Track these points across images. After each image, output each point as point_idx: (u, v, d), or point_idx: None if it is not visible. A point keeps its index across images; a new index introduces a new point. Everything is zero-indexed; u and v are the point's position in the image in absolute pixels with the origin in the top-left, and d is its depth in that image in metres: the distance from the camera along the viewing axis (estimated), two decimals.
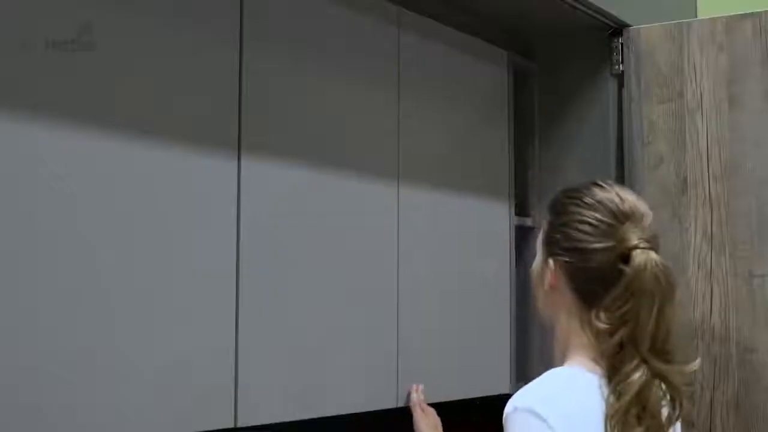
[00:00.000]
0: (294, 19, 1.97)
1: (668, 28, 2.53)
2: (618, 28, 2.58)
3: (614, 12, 2.53)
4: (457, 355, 2.36)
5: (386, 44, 2.19)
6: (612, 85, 2.61)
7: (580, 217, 1.46)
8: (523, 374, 2.55)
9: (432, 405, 2.20)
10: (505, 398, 1.43)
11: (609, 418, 1.37)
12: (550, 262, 1.50)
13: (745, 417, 2.35)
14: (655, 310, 1.39)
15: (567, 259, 1.47)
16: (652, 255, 1.41)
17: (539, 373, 1.45)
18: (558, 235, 1.50)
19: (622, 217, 1.44)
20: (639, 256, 1.40)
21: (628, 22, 2.58)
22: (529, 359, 2.66)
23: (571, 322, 1.48)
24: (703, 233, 2.43)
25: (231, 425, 1.79)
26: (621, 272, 1.41)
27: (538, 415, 1.35)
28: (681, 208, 2.45)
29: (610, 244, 1.43)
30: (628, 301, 1.39)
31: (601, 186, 1.50)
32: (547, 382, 1.43)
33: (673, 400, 1.42)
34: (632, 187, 2.45)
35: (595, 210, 1.46)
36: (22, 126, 1.48)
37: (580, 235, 1.46)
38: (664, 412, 1.41)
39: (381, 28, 2.18)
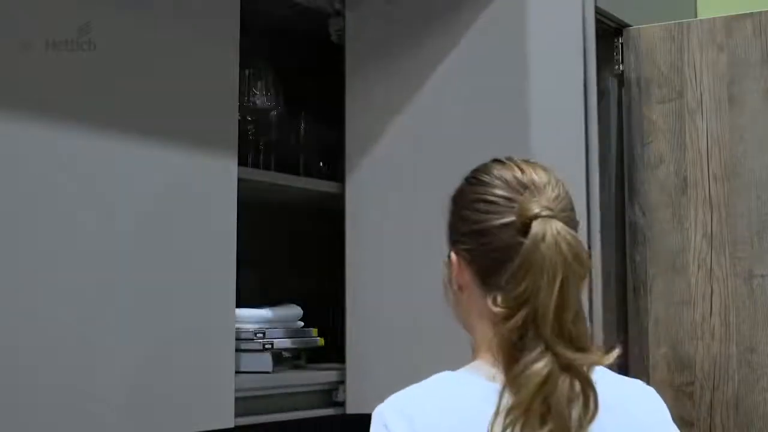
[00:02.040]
0: None
1: (668, 28, 2.52)
2: (618, 28, 2.58)
3: (614, 12, 2.53)
4: None
5: None
6: (612, 85, 2.61)
7: (477, 196, 1.27)
8: None
9: None
10: None
11: (500, 415, 1.15)
12: (452, 255, 1.30)
13: (745, 417, 2.34)
14: (557, 286, 1.16)
15: (467, 246, 1.27)
16: (555, 224, 1.19)
17: None
18: (457, 222, 1.30)
19: (521, 188, 1.24)
20: (537, 225, 1.19)
21: (628, 22, 2.58)
22: None
23: (483, 323, 1.27)
24: (703, 233, 2.42)
25: (231, 425, 1.79)
26: (521, 246, 1.19)
27: (385, 424, 1.22)
28: (681, 208, 2.45)
29: (510, 219, 1.22)
30: (525, 277, 1.17)
31: (501, 162, 1.31)
32: (420, 391, 1.25)
33: (585, 397, 1.18)
34: (632, 188, 2.46)
35: (494, 186, 1.26)
36: (23, 126, 1.48)
37: (479, 215, 1.26)
38: (574, 412, 1.17)
39: None
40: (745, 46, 2.42)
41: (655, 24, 2.56)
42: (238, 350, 1.87)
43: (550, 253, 1.18)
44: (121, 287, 1.61)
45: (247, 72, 2.03)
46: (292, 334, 2.12)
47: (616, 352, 1.23)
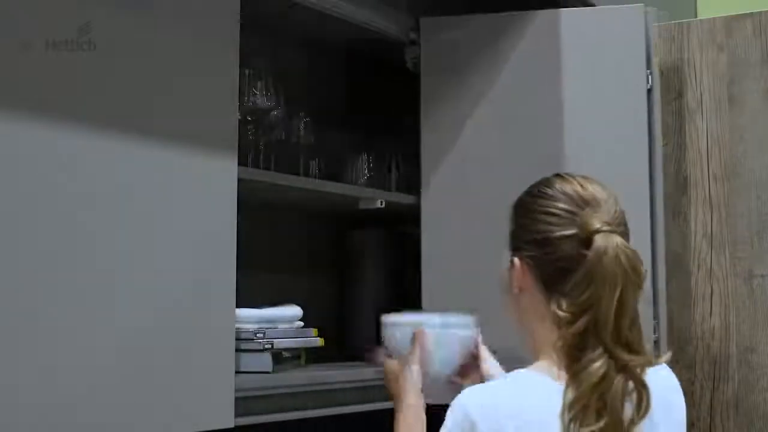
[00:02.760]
0: None
1: (668, 28, 2.53)
2: None
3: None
4: None
5: None
6: None
7: (541, 208, 1.41)
8: None
9: None
10: None
11: (565, 410, 1.29)
12: (515, 260, 1.44)
13: (745, 417, 2.35)
14: (617, 295, 1.31)
15: (531, 253, 1.41)
16: (615, 238, 1.34)
17: None
18: (520, 231, 1.44)
19: (582, 203, 1.38)
20: (599, 240, 1.33)
21: None
22: None
23: (543, 326, 1.40)
24: (703, 233, 2.43)
25: (231, 425, 1.79)
26: (583, 258, 1.34)
27: (471, 420, 1.31)
28: (681, 208, 2.45)
29: (572, 231, 1.36)
30: (589, 287, 1.32)
31: (562, 177, 1.44)
32: (499, 386, 1.38)
33: (639, 396, 1.32)
34: None
35: (556, 200, 1.40)
36: (23, 126, 1.48)
37: (542, 226, 1.39)
38: (628, 409, 1.31)
39: None
40: (745, 46, 2.42)
41: (655, 24, 2.56)
42: (238, 350, 1.87)
43: (612, 265, 1.32)
44: (121, 287, 1.61)
45: (247, 72, 2.03)
46: (292, 334, 2.12)
47: (668, 355, 1.40)
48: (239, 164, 1.86)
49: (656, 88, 2.30)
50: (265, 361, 1.99)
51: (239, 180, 1.84)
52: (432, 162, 2.38)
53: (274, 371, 1.99)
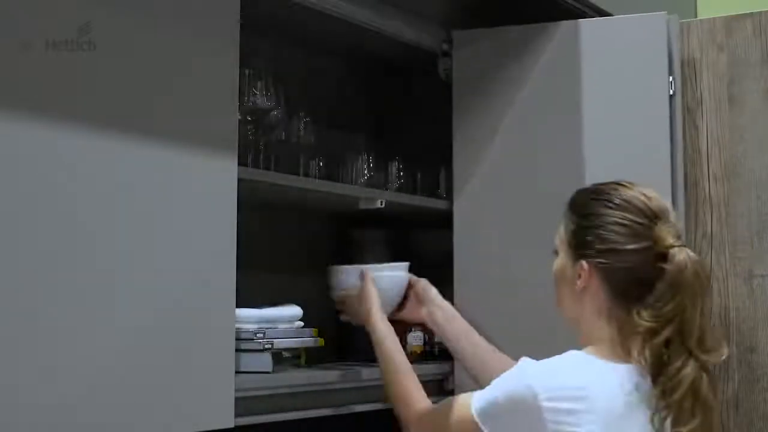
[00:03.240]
0: None
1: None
2: None
3: (614, 12, 2.53)
4: None
5: None
6: None
7: (611, 219, 1.51)
8: None
9: None
10: None
11: (657, 412, 1.44)
12: (583, 264, 1.54)
13: (745, 417, 2.35)
14: (699, 305, 1.45)
15: (601, 260, 1.52)
16: (690, 252, 1.47)
17: None
18: (589, 237, 1.53)
19: (653, 216, 1.50)
20: (679, 255, 1.46)
21: None
22: None
23: (597, 319, 1.54)
24: (703, 233, 2.43)
25: (231, 425, 1.79)
26: (661, 271, 1.46)
27: (527, 385, 1.46)
28: (681, 208, 2.45)
29: (646, 244, 1.48)
30: (673, 298, 1.44)
31: (624, 186, 1.55)
32: (558, 360, 1.50)
33: (714, 390, 1.48)
34: None
35: (626, 210, 1.51)
36: (23, 126, 1.48)
37: (614, 237, 1.50)
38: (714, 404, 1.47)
39: None
40: (745, 46, 2.42)
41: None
42: (238, 350, 1.87)
43: (692, 278, 1.45)
44: (121, 287, 1.61)
45: (247, 72, 2.03)
46: (292, 334, 2.12)
47: (727, 350, 1.51)
48: (239, 164, 1.86)
49: (679, 94, 2.35)
50: (265, 361, 1.99)
51: (239, 180, 1.84)
52: (463, 168, 2.48)
53: (274, 371, 1.99)
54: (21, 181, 1.48)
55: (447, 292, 2.63)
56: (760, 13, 2.41)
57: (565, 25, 2.42)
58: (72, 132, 1.55)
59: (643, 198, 1.52)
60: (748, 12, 2.43)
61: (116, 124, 1.62)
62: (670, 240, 1.47)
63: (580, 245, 1.55)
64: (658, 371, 1.46)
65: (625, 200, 1.52)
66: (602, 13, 2.49)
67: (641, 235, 1.49)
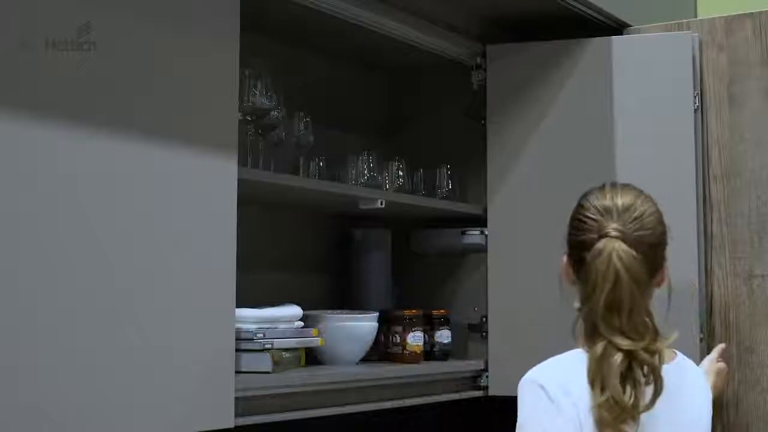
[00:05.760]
0: None
1: (668, 28, 2.53)
2: (618, 28, 2.58)
3: (614, 12, 2.53)
4: None
5: None
6: None
7: (576, 215, 1.62)
8: None
9: None
10: None
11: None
12: (563, 257, 1.65)
13: (745, 417, 2.35)
14: (606, 291, 1.51)
15: (568, 252, 1.63)
16: (615, 242, 1.53)
17: None
18: (567, 233, 1.65)
19: (604, 211, 1.58)
20: (600, 243, 1.54)
21: (628, 22, 2.58)
22: None
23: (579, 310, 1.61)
24: (704, 233, 2.43)
25: (231, 425, 1.79)
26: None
27: (540, 385, 1.52)
28: None
29: (592, 236, 1.57)
30: (586, 284, 1.54)
31: (600, 189, 1.64)
32: (555, 360, 1.58)
33: (654, 386, 1.50)
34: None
35: (586, 209, 1.61)
36: (22, 126, 1.48)
37: (574, 231, 1.61)
38: (647, 392, 1.50)
39: None
40: (745, 46, 2.42)
41: (655, 24, 2.56)
42: (238, 350, 1.87)
43: (603, 265, 1.52)
44: (121, 287, 1.61)
45: (246, 72, 2.03)
46: (292, 334, 2.12)
47: (674, 336, 1.56)
48: (239, 164, 1.86)
49: (706, 109, 2.45)
50: (265, 361, 1.99)
51: (239, 180, 1.84)
52: (496, 176, 2.62)
53: (274, 371, 1.99)
54: (21, 181, 1.48)
55: (448, 288, 2.67)
56: (760, 13, 2.41)
57: (596, 41, 2.53)
58: (72, 132, 1.55)
59: (605, 197, 1.61)
60: (748, 12, 2.43)
61: (116, 124, 1.62)
62: (605, 230, 1.55)
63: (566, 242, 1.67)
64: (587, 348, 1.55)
65: (590, 200, 1.62)
66: (619, 23, 2.58)
67: (591, 228, 1.58)
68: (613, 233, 1.54)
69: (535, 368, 1.58)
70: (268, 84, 2.10)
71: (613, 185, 1.64)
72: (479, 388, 2.56)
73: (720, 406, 2.35)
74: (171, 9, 1.72)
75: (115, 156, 1.61)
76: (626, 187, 1.64)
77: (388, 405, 2.27)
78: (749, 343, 2.35)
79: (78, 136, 1.56)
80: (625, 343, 1.50)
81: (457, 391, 2.52)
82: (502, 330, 2.58)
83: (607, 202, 1.60)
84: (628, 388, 1.49)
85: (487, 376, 2.56)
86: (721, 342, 2.28)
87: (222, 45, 1.82)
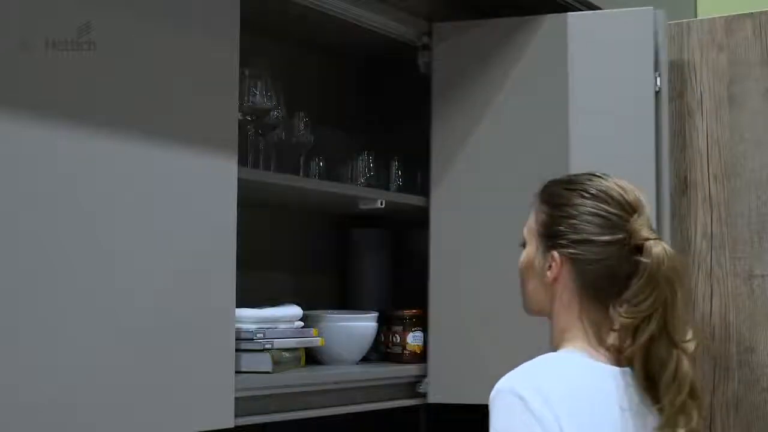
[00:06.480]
0: None
1: (668, 28, 2.53)
2: None
3: (603, 6, 2.52)
4: None
5: None
6: None
7: (585, 209, 1.47)
8: None
9: None
10: None
11: (671, 415, 1.40)
12: (554, 254, 1.48)
13: (745, 417, 2.34)
14: (679, 297, 1.41)
15: (573, 251, 1.46)
16: (666, 246, 1.43)
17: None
18: (562, 228, 1.48)
19: (629, 207, 1.45)
20: (655, 247, 1.41)
21: None
22: None
23: (568, 313, 1.48)
24: (703, 233, 2.42)
25: (231, 425, 1.79)
26: (635, 264, 1.42)
27: (519, 396, 1.35)
28: (681, 208, 2.45)
29: (620, 236, 1.44)
30: (652, 293, 1.40)
31: (599, 176, 1.51)
32: (533, 366, 1.42)
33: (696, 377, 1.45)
34: None
35: (601, 201, 1.46)
36: (22, 126, 1.48)
37: (589, 227, 1.45)
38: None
39: None
40: (745, 46, 2.42)
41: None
42: (238, 350, 1.87)
43: (669, 271, 1.41)
44: (121, 286, 1.61)
45: (246, 72, 2.03)
46: (292, 334, 2.12)
47: (696, 342, 1.46)
48: (239, 164, 1.86)
49: (665, 90, 2.32)
50: (265, 361, 1.99)
51: (239, 180, 1.84)
52: (442, 163, 2.41)
53: (274, 371, 1.99)
54: (21, 181, 1.48)
55: None
56: (760, 13, 2.41)
57: (551, 18, 2.37)
58: (72, 132, 1.55)
59: (619, 189, 1.47)
60: (748, 12, 2.43)
61: (116, 124, 1.62)
62: (645, 233, 1.43)
63: (551, 235, 1.50)
64: (646, 371, 1.42)
65: (601, 191, 1.47)
66: (590, 6, 2.44)
67: (617, 226, 1.45)
68: (653, 236, 1.44)
69: (509, 376, 1.40)
70: (268, 84, 2.10)
71: (606, 174, 1.52)
72: (417, 395, 2.35)
73: (720, 406, 2.35)
74: (171, 9, 1.72)
75: (115, 156, 1.61)
76: (618, 178, 1.52)
77: (389, 404, 2.26)
78: (749, 343, 2.35)
79: (78, 136, 1.56)
80: (688, 346, 1.43)
81: (391, 399, 2.28)
82: (444, 332, 2.36)
83: (626, 195, 1.47)
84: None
85: (426, 383, 2.34)
86: (721, 343, 2.28)
87: (222, 45, 1.82)
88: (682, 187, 2.45)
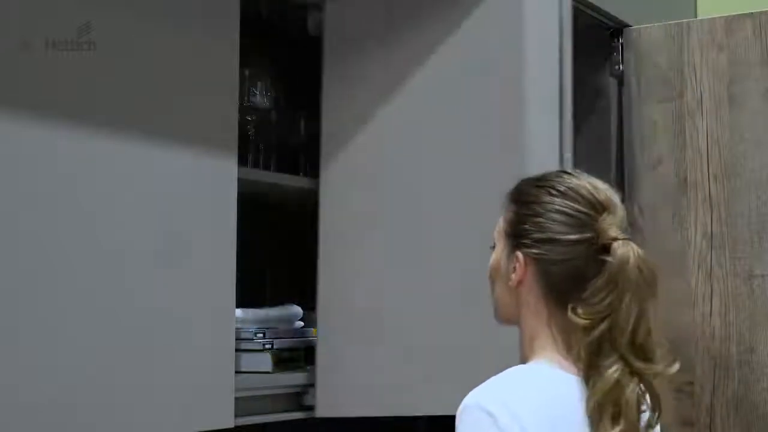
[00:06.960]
0: None
1: (668, 28, 2.53)
2: (618, 28, 2.58)
3: (614, 12, 2.53)
4: None
5: None
6: (612, 85, 2.61)
7: (552, 206, 1.37)
8: None
9: None
10: None
11: (586, 414, 1.30)
12: (519, 255, 1.38)
13: (745, 417, 2.34)
14: (637, 303, 1.30)
15: (538, 251, 1.37)
16: (635, 247, 1.33)
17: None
18: (527, 226, 1.38)
19: (599, 206, 1.36)
20: (621, 248, 1.31)
21: (628, 22, 2.58)
22: None
23: (536, 319, 1.39)
24: (703, 233, 2.42)
25: (231, 425, 1.79)
26: (601, 264, 1.32)
27: (487, 412, 1.27)
28: (681, 208, 2.44)
29: (588, 235, 1.34)
30: (609, 294, 1.30)
31: (570, 174, 1.42)
32: (501, 380, 1.33)
33: (652, 404, 1.33)
34: (632, 188, 2.46)
35: (570, 199, 1.37)
36: (22, 126, 1.48)
37: (554, 225, 1.36)
38: (644, 417, 1.32)
39: None
40: (745, 46, 2.42)
41: (655, 24, 2.56)
42: (238, 350, 1.87)
43: (634, 274, 1.30)
44: (121, 287, 1.61)
45: (246, 72, 2.03)
46: (292, 334, 2.12)
47: (677, 365, 1.35)
48: (239, 164, 1.86)
49: (569, 66, 2.02)
50: (265, 361, 1.99)
51: (239, 180, 1.84)
52: (333, 144, 2.08)
53: (274, 371, 1.99)
54: (21, 181, 1.48)
55: None
56: (760, 13, 2.41)
57: None
58: (72, 132, 1.55)
59: (590, 188, 1.37)
60: (748, 12, 2.43)
61: (116, 123, 1.62)
62: (613, 232, 1.32)
63: (516, 235, 1.40)
64: (588, 373, 1.31)
65: (570, 188, 1.37)
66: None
67: (585, 225, 1.34)
68: (622, 235, 1.33)
69: (476, 390, 1.31)
70: (268, 84, 2.09)
71: (578, 172, 1.42)
72: (303, 408, 2.05)
73: (720, 406, 2.35)
74: (171, 9, 1.72)
75: (115, 156, 1.61)
76: (588, 175, 1.42)
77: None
78: (749, 343, 2.35)
79: (78, 136, 1.56)
80: (643, 366, 1.30)
81: (274, 412, 1.99)
82: (334, 335, 2.07)
83: (596, 193, 1.37)
84: (643, 416, 1.31)
85: (313, 394, 2.03)
86: (721, 343, 2.28)
87: (222, 45, 1.82)
88: (682, 187, 2.45)
